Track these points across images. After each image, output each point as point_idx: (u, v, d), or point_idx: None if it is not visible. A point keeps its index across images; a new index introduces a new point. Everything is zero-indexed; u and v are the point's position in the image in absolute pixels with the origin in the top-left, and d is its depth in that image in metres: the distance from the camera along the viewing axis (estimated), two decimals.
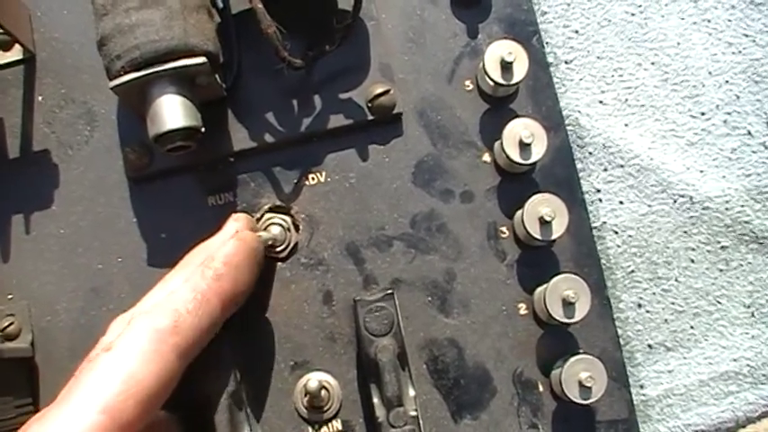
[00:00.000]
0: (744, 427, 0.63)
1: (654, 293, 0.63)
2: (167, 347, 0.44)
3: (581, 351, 0.57)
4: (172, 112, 0.52)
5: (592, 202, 0.63)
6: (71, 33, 0.63)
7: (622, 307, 0.62)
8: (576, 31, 0.65)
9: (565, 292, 0.55)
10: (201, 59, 0.52)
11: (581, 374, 0.54)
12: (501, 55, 0.57)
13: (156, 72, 0.52)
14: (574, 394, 0.55)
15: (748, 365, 0.62)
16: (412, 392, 0.53)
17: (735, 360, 0.62)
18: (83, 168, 0.62)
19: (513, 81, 0.58)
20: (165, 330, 0.45)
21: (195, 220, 0.60)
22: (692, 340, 0.62)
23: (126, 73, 0.52)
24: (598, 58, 0.65)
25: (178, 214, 0.61)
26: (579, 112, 0.64)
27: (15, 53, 0.63)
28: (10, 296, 0.61)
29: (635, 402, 0.59)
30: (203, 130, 0.54)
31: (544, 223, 0.56)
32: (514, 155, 0.56)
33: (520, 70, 0.57)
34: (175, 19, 0.52)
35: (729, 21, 0.65)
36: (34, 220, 0.61)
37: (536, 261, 0.59)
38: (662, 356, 0.62)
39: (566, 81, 0.64)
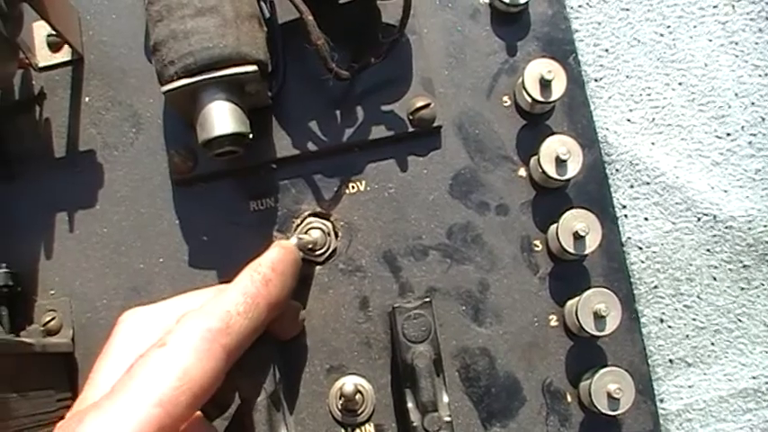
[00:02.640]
0: None
1: (676, 309, 0.63)
2: (219, 347, 0.45)
3: (610, 363, 0.58)
4: (222, 117, 0.54)
5: (617, 218, 0.64)
6: (119, 37, 0.65)
7: (645, 321, 0.63)
8: (606, 50, 0.66)
9: (597, 306, 0.56)
10: (253, 67, 0.54)
11: (610, 386, 0.55)
12: (540, 73, 0.58)
13: (209, 78, 0.53)
14: (602, 405, 0.56)
15: (767, 383, 0.63)
16: (446, 398, 0.54)
17: (754, 378, 0.63)
18: (127, 169, 0.63)
19: (552, 99, 0.59)
20: (218, 331, 0.46)
21: (236, 224, 0.61)
22: (712, 357, 0.63)
23: (179, 78, 0.53)
24: (627, 77, 0.66)
25: (220, 218, 0.62)
26: (607, 129, 0.65)
27: (64, 54, 0.65)
28: (52, 292, 0.62)
29: None
30: (251, 136, 0.55)
31: (578, 238, 0.57)
32: (551, 170, 0.58)
33: (558, 88, 0.59)
34: (229, 27, 0.53)
35: (756, 44, 0.66)
36: (78, 219, 0.63)
37: (568, 274, 0.60)
38: (682, 372, 0.63)
39: (595, 99, 0.65)
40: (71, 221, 0.62)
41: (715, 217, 0.64)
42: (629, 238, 0.64)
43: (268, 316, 0.50)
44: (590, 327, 0.56)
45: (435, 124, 0.61)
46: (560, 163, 0.57)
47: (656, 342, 0.63)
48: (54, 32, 0.61)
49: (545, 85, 0.58)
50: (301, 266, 0.57)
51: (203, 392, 0.44)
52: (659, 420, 0.59)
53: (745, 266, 0.64)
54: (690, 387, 0.63)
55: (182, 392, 0.43)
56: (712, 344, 0.63)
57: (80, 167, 0.63)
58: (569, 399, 0.59)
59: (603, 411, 0.56)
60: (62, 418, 0.44)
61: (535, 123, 0.62)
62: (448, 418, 0.53)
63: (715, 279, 0.64)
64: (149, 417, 0.42)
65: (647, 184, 0.64)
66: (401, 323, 0.54)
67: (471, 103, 0.62)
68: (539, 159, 0.58)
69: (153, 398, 0.42)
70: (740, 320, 0.63)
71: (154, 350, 0.45)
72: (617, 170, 0.65)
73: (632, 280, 0.63)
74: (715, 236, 0.64)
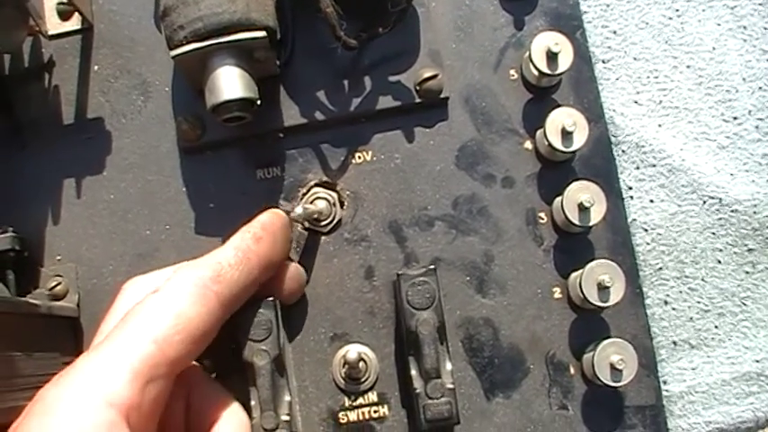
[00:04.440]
0: (764, 428, 0.63)
1: (680, 291, 0.64)
2: (211, 293, 0.47)
3: (612, 336, 0.58)
4: (230, 82, 0.54)
5: (623, 199, 0.64)
6: (129, 6, 0.65)
7: (649, 303, 0.63)
8: (614, 32, 0.66)
9: (600, 277, 0.56)
10: (262, 33, 0.54)
11: (612, 357, 0.56)
12: (547, 45, 0.58)
13: (218, 44, 0.54)
14: (605, 376, 0.56)
15: None
16: (449, 366, 0.55)
17: (757, 361, 0.63)
18: (135, 137, 0.63)
19: (558, 71, 0.59)
20: (209, 278, 0.48)
21: (243, 192, 0.62)
22: (716, 339, 0.63)
23: (188, 43, 0.54)
24: (635, 59, 0.66)
25: (227, 185, 0.62)
26: (614, 111, 0.65)
27: (74, 23, 0.65)
28: (59, 257, 0.62)
29: None
30: (259, 102, 0.56)
31: (583, 209, 0.57)
32: (557, 142, 0.58)
33: (565, 61, 0.59)
34: None
35: (765, 28, 0.66)
36: (85, 185, 0.63)
37: (572, 247, 0.61)
38: (686, 354, 0.63)
39: (602, 80, 0.65)
40: (79, 188, 0.63)
41: (720, 200, 0.64)
42: (635, 219, 0.64)
43: (260, 273, 0.51)
44: (594, 298, 0.56)
45: (442, 96, 0.61)
46: (566, 135, 0.58)
47: (659, 324, 0.63)
48: (64, 0, 0.61)
49: (552, 57, 0.59)
50: (305, 236, 0.57)
51: (199, 336, 0.46)
52: (662, 395, 0.59)
53: (749, 250, 0.64)
54: (693, 369, 0.63)
55: (176, 332, 0.44)
56: (716, 327, 0.63)
57: (88, 135, 0.64)
58: (572, 371, 0.59)
59: (606, 383, 0.56)
60: None
61: (542, 97, 0.62)
62: (451, 386, 0.54)
63: (720, 262, 0.64)
64: (144, 353, 0.43)
65: (653, 166, 0.65)
66: (405, 290, 0.55)
67: (479, 76, 0.62)
68: (544, 131, 0.58)
69: (148, 336, 0.43)
70: (744, 304, 0.63)
71: (148, 296, 0.46)
72: (623, 152, 0.65)
73: (637, 261, 0.63)
74: (720, 219, 0.64)
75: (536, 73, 0.60)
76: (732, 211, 0.64)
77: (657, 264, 0.64)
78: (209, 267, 0.48)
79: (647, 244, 0.64)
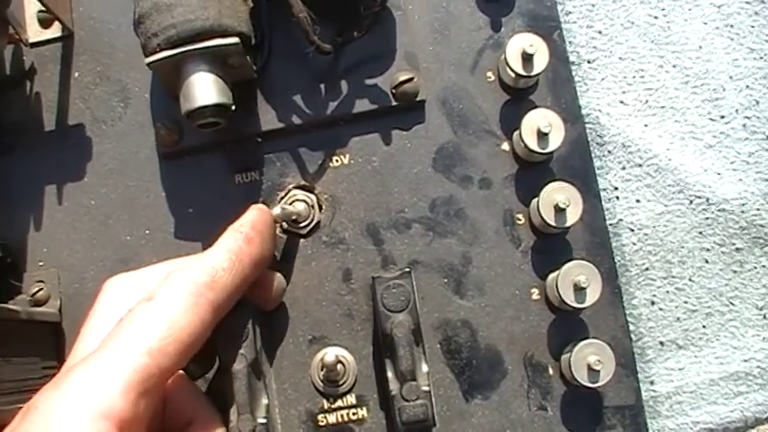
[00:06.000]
0: (752, 428, 0.63)
1: (667, 292, 0.63)
2: (205, 301, 0.47)
3: (591, 336, 0.58)
4: (204, 88, 0.54)
5: (609, 199, 0.64)
6: (108, 13, 0.66)
7: (636, 303, 0.63)
8: (600, 32, 0.66)
9: (576, 278, 0.56)
10: (234, 40, 0.54)
11: (590, 358, 0.55)
12: (522, 47, 0.58)
13: (191, 50, 0.54)
14: (582, 377, 0.56)
15: (759, 367, 0.63)
16: (425, 368, 0.55)
17: (745, 361, 0.63)
18: (115, 143, 0.64)
19: (534, 73, 0.59)
20: (204, 285, 0.47)
21: (222, 197, 0.62)
22: (703, 339, 0.63)
23: (162, 50, 0.54)
24: (620, 58, 0.66)
25: (205, 190, 0.63)
26: (600, 111, 0.65)
27: (54, 30, 0.66)
28: (41, 263, 0.63)
29: (645, 398, 0.60)
30: (234, 108, 0.56)
31: (559, 210, 0.57)
32: (532, 143, 0.58)
33: (540, 62, 0.59)
34: (211, 0, 0.54)
35: (752, 27, 0.66)
36: (67, 192, 0.64)
37: (550, 248, 0.60)
38: (673, 354, 0.63)
39: (588, 80, 0.65)
40: (60, 194, 0.63)
41: (708, 199, 0.64)
42: (621, 219, 0.64)
43: (251, 274, 0.51)
44: (570, 299, 0.56)
45: (419, 98, 0.61)
46: (542, 136, 0.57)
47: (646, 324, 0.63)
48: (44, 9, 0.62)
49: (527, 59, 0.58)
50: (285, 239, 0.58)
51: (191, 344, 0.46)
52: (641, 395, 0.59)
53: (737, 249, 0.64)
54: (680, 369, 0.63)
55: (170, 343, 0.44)
56: (704, 326, 0.63)
57: (69, 141, 0.64)
58: (551, 372, 0.59)
59: (583, 383, 0.56)
60: None
61: (519, 98, 0.62)
62: (426, 388, 0.54)
63: (707, 262, 0.64)
64: (138, 365, 0.43)
65: (640, 165, 0.64)
66: (381, 293, 0.55)
67: (455, 78, 0.62)
68: (520, 132, 0.58)
69: (142, 347, 0.43)
70: (732, 303, 0.63)
71: (142, 303, 0.46)
72: (609, 152, 0.65)
73: (623, 262, 0.63)
74: (707, 218, 0.64)
75: (512, 74, 0.59)
76: (719, 210, 0.64)
77: (644, 264, 0.63)
78: (203, 272, 0.48)
79: (634, 244, 0.64)
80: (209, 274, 0.48)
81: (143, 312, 0.45)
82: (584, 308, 0.56)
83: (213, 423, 0.51)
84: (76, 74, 0.65)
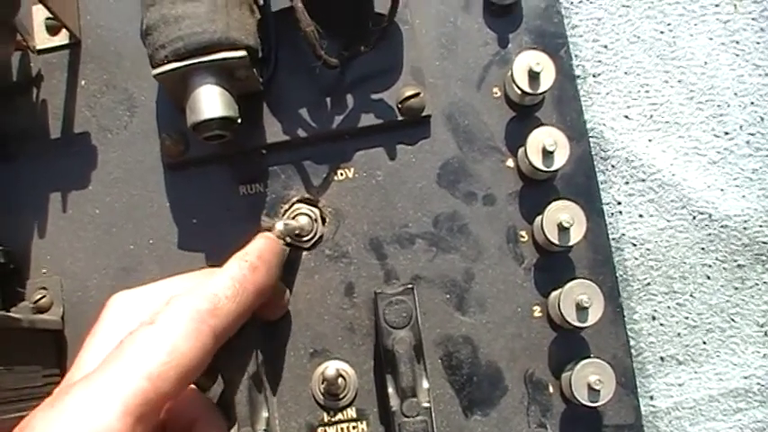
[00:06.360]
0: None
1: (668, 307, 0.63)
2: (206, 328, 0.46)
3: (592, 355, 0.58)
4: (210, 101, 0.54)
5: (612, 213, 0.64)
6: (116, 22, 0.66)
7: (636, 318, 0.63)
8: (605, 46, 0.66)
9: (579, 297, 0.56)
10: (242, 53, 0.54)
11: (590, 377, 0.55)
12: (529, 64, 0.58)
13: (198, 63, 0.54)
14: (582, 396, 0.56)
15: (758, 384, 0.63)
16: (426, 384, 0.55)
17: (745, 378, 0.63)
18: (120, 152, 0.64)
19: (540, 90, 0.59)
20: (206, 311, 0.47)
21: (226, 208, 0.62)
22: (703, 355, 0.63)
23: (169, 62, 0.54)
24: (625, 73, 0.66)
25: (210, 201, 0.63)
26: (604, 125, 0.65)
27: (62, 38, 0.66)
28: (44, 270, 0.63)
29: (644, 413, 0.60)
30: (240, 120, 0.56)
31: (563, 229, 0.57)
32: (537, 161, 0.58)
33: (546, 80, 0.59)
34: (219, 13, 0.54)
35: (758, 43, 0.66)
36: (71, 199, 0.64)
37: (553, 266, 0.60)
38: (673, 369, 0.63)
39: (592, 94, 0.65)
40: (64, 202, 0.63)
41: (710, 216, 0.64)
42: (624, 234, 0.64)
43: (254, 302, 0.51)
44: (572, 318, 0.56)
45: (424, 113, 0.61)
46: (547, 154, 0.57)
47: (647, 339, 0.63)
48: (52, 16, 0.62)
49: (533, 77, 0.58)
50: (288, 252, 0.58)
51: (191, 370, 0.45)
52: (641, 414, 0.59)
53: (739, 266, 0.64)
54: (680, 385, 0.63)
55: (170, 368, 0.44)
56: (704, 342, 0.63)
57: (74, 149, 0.64)
58: (551, 390, 0.59)
59: (584, 403, 0.56)
60: (49, 394, 0.45)
61: (524, 115, 0.62)
62: (427, 404, 0.54)
63: (709, 278, 0.64)
64: (137, 389, 0.42)
65: (643, 180, 0.64)
66: (383, 308, 0.55)
67: (461, 94, 0.62)
68: (525, 150, 0.58)
69: (142, 371, 0.43)
70: (733, 320, 0.63)
71: (143, 327, 0.46)
72: (613, 166, 0.65)
73: (625, 276, 0.63)
74: (710, 234, 0.64)
75: (518, 92, 0.59)
76: (722, 226, 0.64)
77: (646, 279, 0.64)
78: (205, 299, 0.47)
79: (636, 259, 0.64)
80: (211, 301, 0.47)
81: (144, 336, 0.45)
82: (585, 327, 0.56)
83: (217, 423, 0.51)
84: (83, 82, 0.65)
